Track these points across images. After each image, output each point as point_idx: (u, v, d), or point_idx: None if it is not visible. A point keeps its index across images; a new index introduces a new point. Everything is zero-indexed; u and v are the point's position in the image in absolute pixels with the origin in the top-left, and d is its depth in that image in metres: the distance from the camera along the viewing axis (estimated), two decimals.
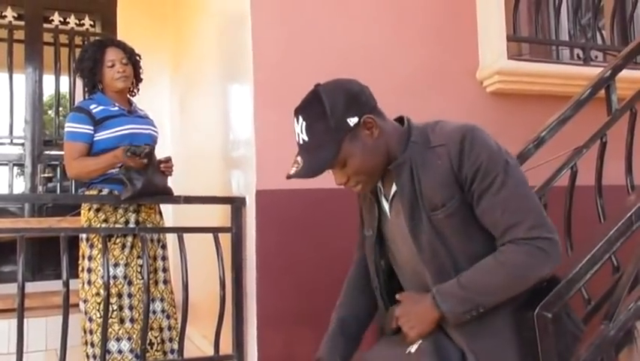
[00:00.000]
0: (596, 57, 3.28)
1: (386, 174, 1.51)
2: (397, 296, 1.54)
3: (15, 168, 4.49)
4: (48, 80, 4.57)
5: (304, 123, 1.43)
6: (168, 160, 2.65)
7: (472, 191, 1.39)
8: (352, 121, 1.41)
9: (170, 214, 3.42)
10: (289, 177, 1.46)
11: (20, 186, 4.70)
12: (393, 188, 1.50)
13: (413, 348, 1.44)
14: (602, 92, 2.30)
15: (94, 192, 2.62)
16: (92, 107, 2.63)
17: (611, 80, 2.29)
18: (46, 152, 4.46)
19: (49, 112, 6.08)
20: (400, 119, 1.55)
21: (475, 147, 1.38)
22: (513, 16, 3.04)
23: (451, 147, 1.40)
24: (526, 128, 2.34)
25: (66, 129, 2.63)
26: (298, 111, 1.45)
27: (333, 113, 1.40)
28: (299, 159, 1.46)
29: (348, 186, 1.51)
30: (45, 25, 4.52)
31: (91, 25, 4.64)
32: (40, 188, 4.36)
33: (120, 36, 4.12)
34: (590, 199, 2.27)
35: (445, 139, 1.43)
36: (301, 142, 1.45)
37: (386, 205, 1.55)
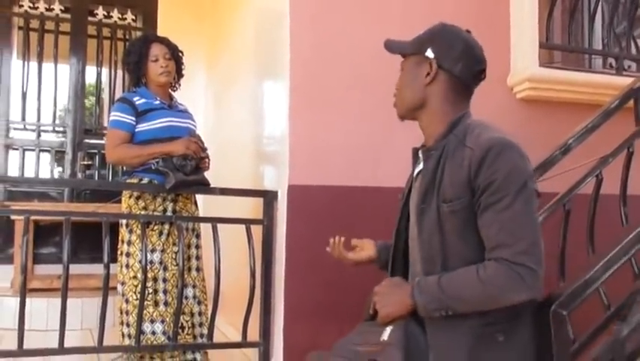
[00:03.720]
0: (629, 67, 3.26)
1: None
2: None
3: (56, 154, 4.67)
4: (90, 71, 4.75)
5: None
6: (205, 157, 2.77)
7: (479, 201, 1.43)
8: (429, 53, 1.56)
9: (201, 206, 3.52)
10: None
11: (58, 172, 4.88)
12: (421, 165, 1.59)
13: (385, 335, 1.49)
14: (631, 102, 2.32)
15: (135, 180, 2.73)
16: (135, 99, 2.75)
17: None
18: (86, 140, 4.65)
19: (87, 102, 6.29)
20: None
21: (496, 162, 1.41)
22: (546, 23, 3.04)
23: (476, 153, 1.43)
24: (554, 136, 2.36)
25: (111, 118, 2.76)
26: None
27: (433, 38, 1.59)
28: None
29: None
30: (89, 19, 4.73)
31: (133, 19, 4.83)
32: (79, 175, 4.53)
33: (160, 31, 4.27)
34: (614, 207, 2.28)
35: (475, 144, 1.46)
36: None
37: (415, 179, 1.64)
